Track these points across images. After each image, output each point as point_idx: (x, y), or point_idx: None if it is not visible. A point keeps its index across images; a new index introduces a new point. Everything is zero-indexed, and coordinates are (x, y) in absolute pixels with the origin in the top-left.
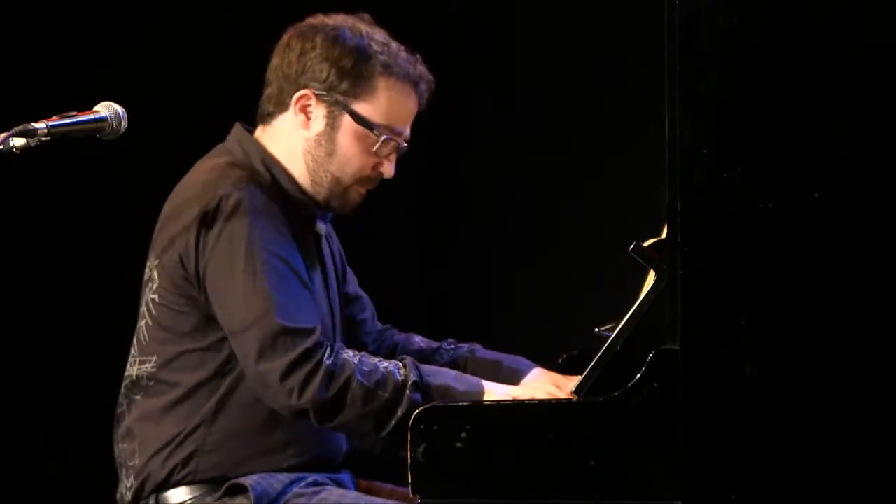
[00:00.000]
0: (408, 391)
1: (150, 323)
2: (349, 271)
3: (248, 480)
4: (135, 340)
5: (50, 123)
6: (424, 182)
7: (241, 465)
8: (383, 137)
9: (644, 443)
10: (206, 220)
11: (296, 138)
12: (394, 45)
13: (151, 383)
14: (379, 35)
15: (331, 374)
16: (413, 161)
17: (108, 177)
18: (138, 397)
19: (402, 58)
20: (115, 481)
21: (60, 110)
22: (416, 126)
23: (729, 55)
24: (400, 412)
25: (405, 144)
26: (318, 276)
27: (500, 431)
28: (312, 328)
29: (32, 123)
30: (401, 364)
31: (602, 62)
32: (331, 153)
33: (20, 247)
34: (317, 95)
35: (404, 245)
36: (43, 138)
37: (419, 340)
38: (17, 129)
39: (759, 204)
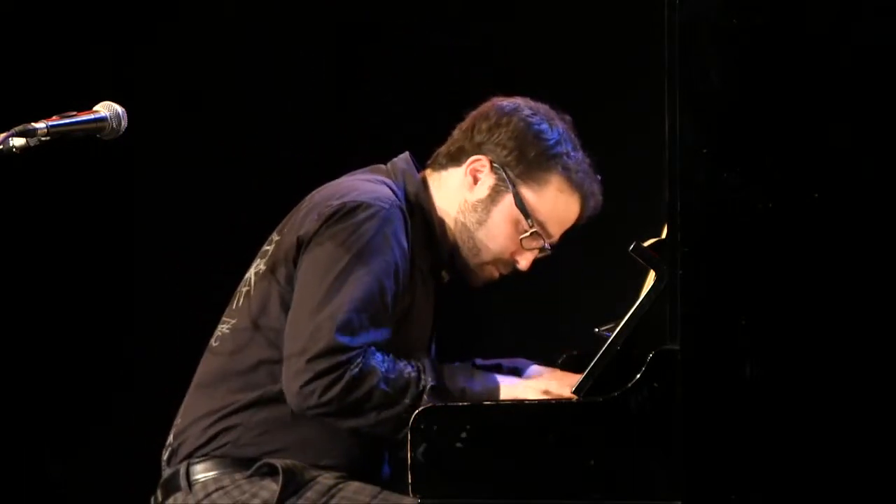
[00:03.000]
0: (426, 397)
1: (250, 291)
2: None
3: (280, 463)
4: (230, 303)
5: (50, 123)
6: None
7: (280, 451)
8: (533, 230)
9: (644, 443)
10: (337, 215)
11: (457, 195)
12: (581, 154)
13: (217, 344)
14: (572, 139)
15: (354, 383)
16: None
17: (108, 177)
18: (206, 357)
19: (584, 169)
20: (115, 481)
21: (60, 110)
22: (415, 125)
23: (729, 55)
24: None
25: (549, 248)
26: (429, 319)
27: (500, 431)
28: (358, 347)
29: (32, 123)
30: (421, 367)
31: (602, 62)
32: (481, 223)
33: (20, 247)
34: (491, 164)
35: None
36: (43, 138)
37: None
38: (17, 129)
39: (759, 204)
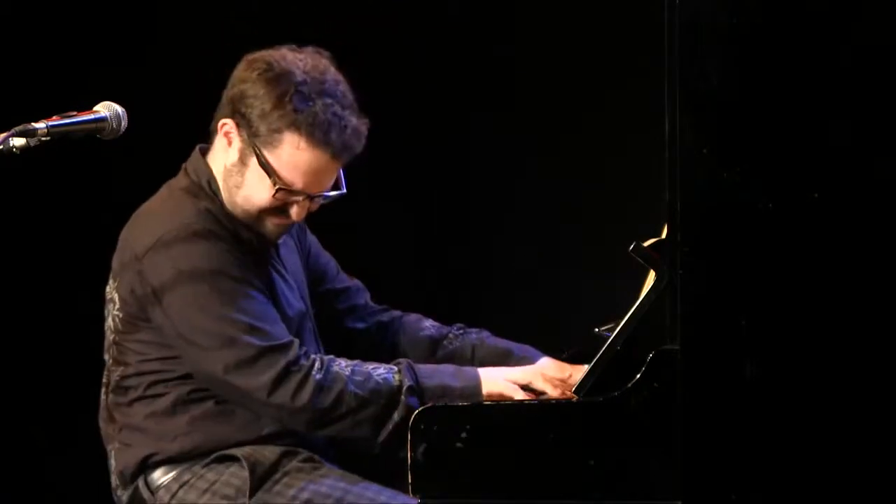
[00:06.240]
0: (403, 396)
1: (116, 337)
2: (331, 265)
3: (238, 451)
4: (106, 353)
5: (50, 123)
6: (424, 181)
7: (231, 444)
8: (278, 188)
9: (644, 443)
10: (160, 251)
11: (221, 160)
12: (330, 100)
13: (120, 396)
14: (323, 84)
15: (321, 388)
16: (413, 160)
17: (107, 177)
18: (113, 406)
19: (326, 119)
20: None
21: (60, 110)
22: (415, 125)
23: (729, 55)
24: (396, 417)
25: (317, 198)
26: (280, 283)
27: (500, 431)
28: (288, 343)
29: (32, 123)
30: (395, 369)
31: (602, 62)
32: (239, 185)
33: (20, 247)
34: (238, 127)
35: (404, 244)
36: (43, 138)
37: (429, 326)
38: (17, 129)
39: (759, 204)
